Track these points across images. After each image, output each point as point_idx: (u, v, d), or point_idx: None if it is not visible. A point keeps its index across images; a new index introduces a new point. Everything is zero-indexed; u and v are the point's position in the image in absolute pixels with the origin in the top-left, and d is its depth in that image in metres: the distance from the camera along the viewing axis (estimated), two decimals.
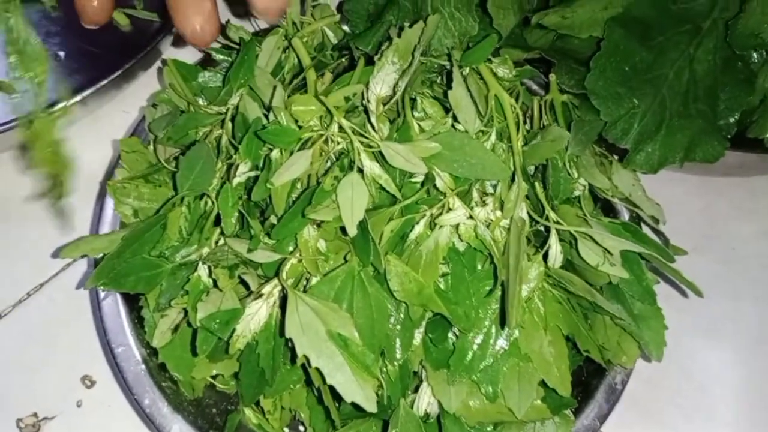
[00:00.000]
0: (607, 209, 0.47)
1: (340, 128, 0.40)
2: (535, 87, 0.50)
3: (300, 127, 0.41)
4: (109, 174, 0.49)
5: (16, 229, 0.50)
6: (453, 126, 0.42)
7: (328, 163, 0.41)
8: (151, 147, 0.46)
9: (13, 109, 0.52)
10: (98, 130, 0.51)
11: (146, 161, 0.46)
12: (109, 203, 0.45)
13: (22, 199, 0.51)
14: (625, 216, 0.47)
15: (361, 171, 0.39)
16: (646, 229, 0.45)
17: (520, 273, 0.35)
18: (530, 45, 0.50)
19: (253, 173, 0.41)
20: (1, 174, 0.51)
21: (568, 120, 0.47)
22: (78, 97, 0.50)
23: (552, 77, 0.47)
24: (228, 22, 0.48)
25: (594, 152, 0.47)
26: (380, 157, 0.40)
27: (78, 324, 0.47)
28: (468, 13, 0.44)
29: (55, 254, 0.48)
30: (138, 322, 0.42)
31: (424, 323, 0.39)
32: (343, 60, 0.49)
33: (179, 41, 0.53)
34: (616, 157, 0.47)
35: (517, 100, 0.45)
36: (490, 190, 0.42)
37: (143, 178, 0.44)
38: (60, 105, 0.49)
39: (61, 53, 0.56)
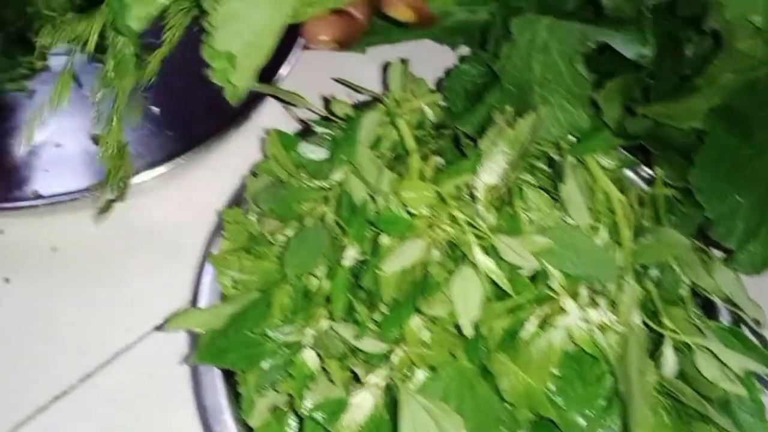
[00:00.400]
0: (707, 307, 0.46)
1: (452, 217, 0.40)
2: (633, 177, 0.49)
3: (410, 214, 0.41)
4: (209, 241, 0.49)
5: (109, 286, 0.50)
6: (563, 220, 0.42)
7: (436, 251, 0.41)
8: (251, 216, 0.46)
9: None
10: (188, 190, 0.51)
11: (246, 231, 0.46)
12: (207, 271, 0.45)
13: (114, 257, 0.51)
14: (726, 316, 0.46)
15: (474, 264, 0.39)
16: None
17: (646, 391, 0.34)
18: (630, 133, 0.50)
19: (360, 257, 0.41)
20: (95, 231, 0.51)
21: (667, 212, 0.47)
22: (179, 160, 0.50)
23: (658, 171, 0.46)
24: (333, 97, 0.48)
25: (694, 247, 0.47)
26: (492, 250, 0.39)
27: (166, 389, 0.46)
28: (580, 107, 0.44)
29: (160, 327, 0.48)
30: (235, 398, 0.41)
31: (529, 426, 0.38)
32: (443, 140, 0.49)
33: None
34: (717, 253, 0.47)
35: (623, 193, 0.44)
36: (597, 286, 0.41)
37: (245, 250, 0.44)
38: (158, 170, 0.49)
39: (156, 108, 0.57)
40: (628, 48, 0.42)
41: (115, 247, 0.51)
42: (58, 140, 0.55)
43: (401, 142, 0.48)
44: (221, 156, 0.53)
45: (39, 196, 0.50)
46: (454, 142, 0.49)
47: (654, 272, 0.43)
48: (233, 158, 0.53)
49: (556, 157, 0.45)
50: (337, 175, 0.45)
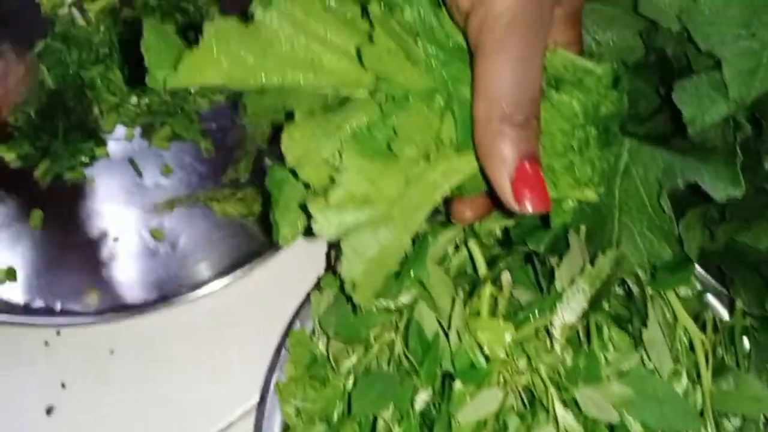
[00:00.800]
0: None
1: (529, 362, 0.39)
2: (710, 300, 0.47)
3: (485, 355, 0.39)
4: (273, 363, 0.48)
5: (169, 391, 0.49)
6: (642, 362, 0.40)
7: (511, 395, 0.39)
8: (316, 337, 0.45)
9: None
10: (252, 296, 0.50)
11: (310, 351, 0.45)
12: (272, 383, 0.44)
13: (174, 361, 0.50)
14: None
15: (554, 417, 0.37)
16: None
17: None
18: (706, 251, 0.48)
19: (431, 400, 0.40)
20: (154, 333, 0.51)
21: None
22: (245, 268, 0.49)
23: (738, 305, 0.44)
24: None
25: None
26: (571, 401, 0.38)
27: None
28: (663, 238, 0.42)
29: None
30: None
31: None
32: (512, 256, 0.47)
33: None
34: None
35: (703, 328, 0.43)
36: None
37: (309, 375, 0.43)
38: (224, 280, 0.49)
39: None
40: (717, 188, 0.40)
41: (175, 351, 0.50)
42: (117, 233, 0.54)
43: (470, 259, 0.46)
44: (289, 262, 0.52)
45: (98, 311, 0.49)
46: (524, 258, 0.47)
47: (735, 421, 0.41)
48: (301, 265, 0.52)
49: (633, 287, 0.44)
50: (405, 297, 0.44)
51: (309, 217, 0.34)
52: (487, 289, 0.42)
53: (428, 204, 0.37)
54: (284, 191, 0.38)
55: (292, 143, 0.35)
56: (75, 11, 0.62)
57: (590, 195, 0.40)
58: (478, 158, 0.36)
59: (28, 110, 0.56)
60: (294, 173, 0.35)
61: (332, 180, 0.34)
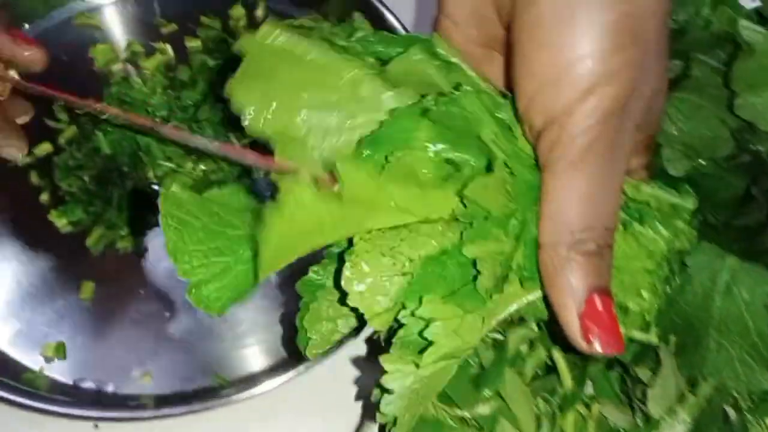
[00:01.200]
0: None
1: None
2: None
3: None
4: None
5: None
6: None
7: None
8: None
9: None
10: (309, 394, 0.47)
11: None
12: None
13: None
14: None
15: None
16: None
17: None
18: None
19: None
20: (221, 425, 0.48)
21: None
22: (301, 367, 0.47)
23: None
24: None
25: None
26: None
27: None
28: (765, 367, 0.40)
29: None
30: None
31: None
32: (592, 365, 0.45)
33: None
34: None
35: None
36: None
37: None
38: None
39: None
40: None
41: None
42: (170, 308, 0.52)
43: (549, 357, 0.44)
44: (349, 359, 0.50)
45: (154, 404, 0.46)
46: (606, 365, 0.44)
47: None
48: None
49: (729, 411, 0.41)
50: (482, 408, 0.41)
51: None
52: (575, 412, 0.40)
53: (483, 331, 0.34)
54: (317, 297, 0.35)
55: (356, 278, 0.31)
56: (129, 67, 0.60)
57: (654, 339, 0.37)
58: (542, 286, 0.33)
59: (83, 175, 0.54)
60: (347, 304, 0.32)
61: (399, 323, 0.31)
